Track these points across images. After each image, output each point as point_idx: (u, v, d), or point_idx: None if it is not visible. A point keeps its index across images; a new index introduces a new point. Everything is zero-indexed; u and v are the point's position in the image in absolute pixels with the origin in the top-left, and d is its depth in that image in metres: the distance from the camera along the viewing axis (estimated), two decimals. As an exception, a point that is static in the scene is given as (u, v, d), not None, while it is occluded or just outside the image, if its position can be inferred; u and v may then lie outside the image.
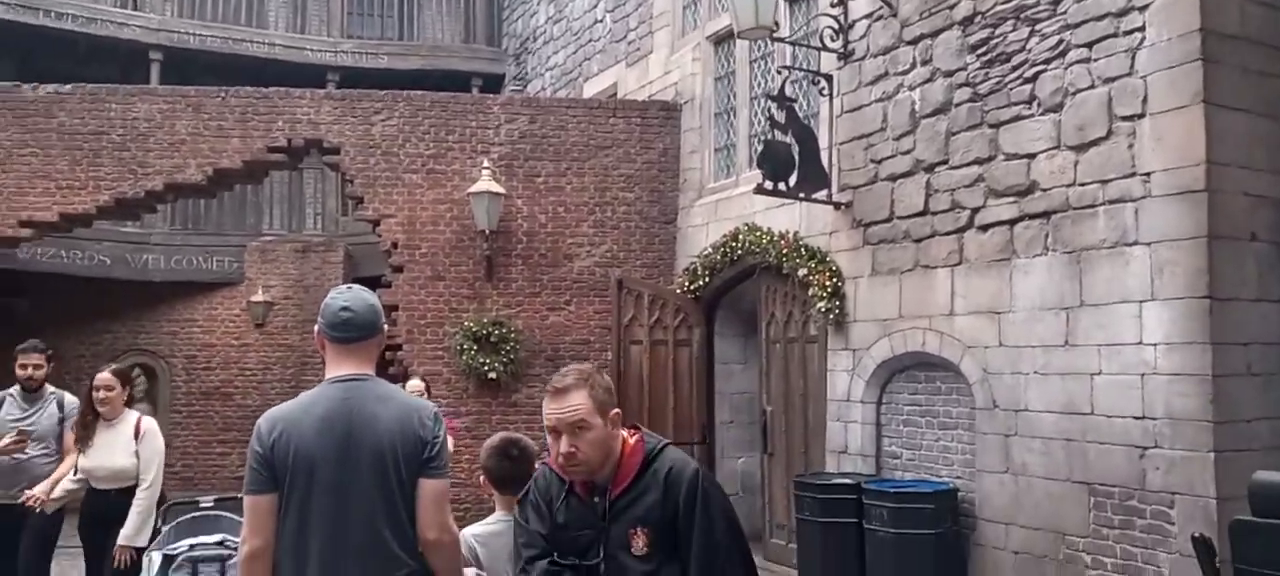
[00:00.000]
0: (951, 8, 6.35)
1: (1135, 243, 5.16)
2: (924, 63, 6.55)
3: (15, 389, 5.27)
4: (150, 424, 4.95)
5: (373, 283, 10.10)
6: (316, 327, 2.61)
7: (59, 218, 9.46)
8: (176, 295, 12.81)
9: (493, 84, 14.28)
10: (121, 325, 12.62)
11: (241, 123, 9.48)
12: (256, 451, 2.47)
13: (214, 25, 13.34)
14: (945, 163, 6.34)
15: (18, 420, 5.14)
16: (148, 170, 9.49)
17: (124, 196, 9.50)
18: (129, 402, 5.00)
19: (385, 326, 2.72)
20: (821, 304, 7.08)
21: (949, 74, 6.34)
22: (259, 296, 12.55)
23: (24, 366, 5.22)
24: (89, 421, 4.87)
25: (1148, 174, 5.12)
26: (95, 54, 12.70)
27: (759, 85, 8.78)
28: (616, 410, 2.34)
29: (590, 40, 11.61)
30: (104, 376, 4.92)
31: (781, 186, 7.00)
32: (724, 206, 8.84)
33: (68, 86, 9.66)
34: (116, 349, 12.32)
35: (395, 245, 9.38)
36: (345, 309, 2.58)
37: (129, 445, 4.83)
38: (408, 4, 14.71)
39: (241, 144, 9.47)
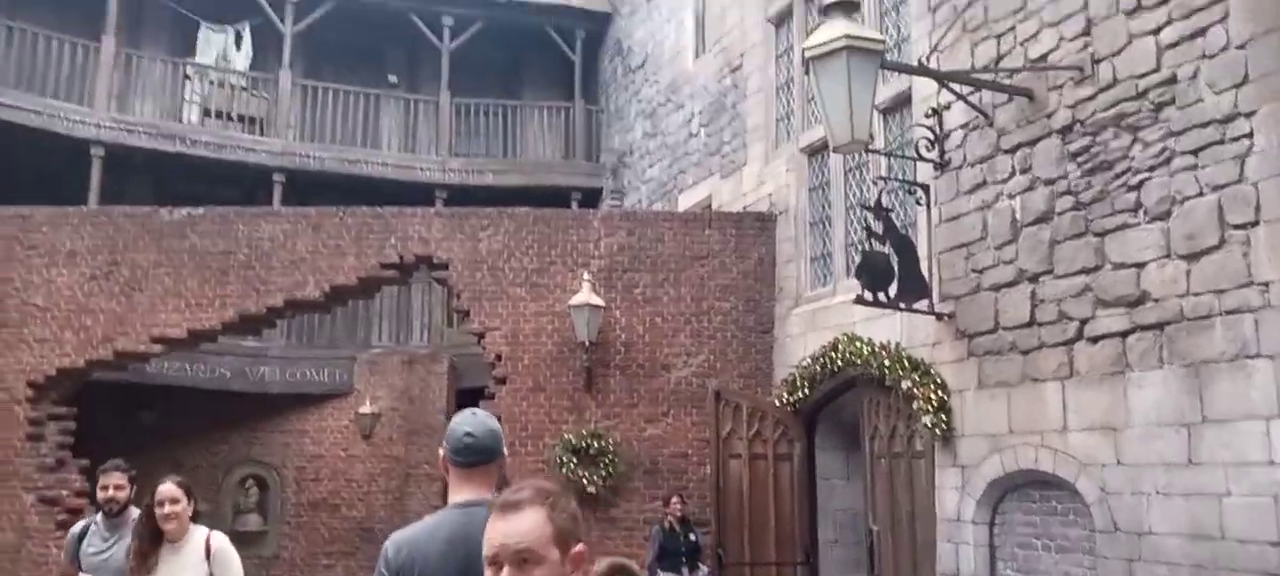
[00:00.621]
0: (1049, 116, 6.32)
1: (1257, 355, 4.93)
2: (1023, 171, 6.51)
3: (99, 515, 4.67)
4: (222, 541, 4.29)
5: (476, 394, 10.37)
6: (442, 452, 2.73)
7: (188, 334, 10.05)
8: (290, 407, 13.35)
9: (591, 197, 14.71)
10: (238, 436, 13.17)
11: (357, 241, 9.98)
12: (382, 574, 2.57)
13: (332, 148, 14.18)
14: (1050, 272, 6.22)
15: (99, 552, 4.54)
16: (270, 287, 10.04)
17: (248, 313, 10.05)
18: (195, 517, 4.32)
19: (505, 451, 2.82)
20: (927, 418, 6.93)
21: (1049, 182, 6.28)
22: (366, 408, 12.97)
23: (104, 487, 4.60)
24: (149, 543, 4.14)
25: (1265, 284, 4.92)
26: (225, 177, 13.62)
27: (854, 195, 8.83)
28: (581, 548, 1.80)
29: (685, 154, 11.91)
30: (168, 488, 4.18)
31: (881, 297, 6.97)
32: (822, 316, 8.81)
33: (200, 210, 10.39)
34: (232, 460, 12.85)
35: (499, 357, 9.62)
36: (468, 434, 2.68)
37: (200, 568, 4.16)
38: (510, 123, 15.38)
39: (357, 261, 9.95)
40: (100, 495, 4.64)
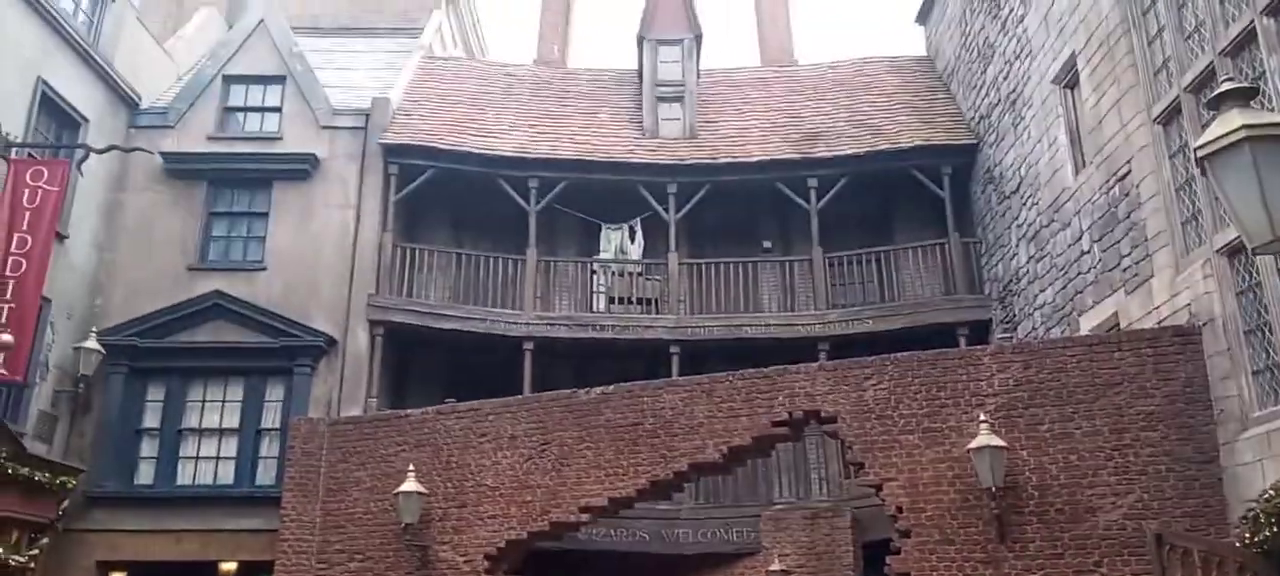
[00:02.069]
0: None
1: None
2: None
3: None
4: None
5: (881, 547, 10.12)
6: None
7: (609, 502, 11.02)
8: (704, 566, 13.91)
9: (979, 331, 14.08)
10: (655, 596, 13.94)
11: (748, 402, 10.44)
12: None
13: (719, 316, 15.13)
14: None
15: None
16: (674, 453, 10.77)
17: (657, 478, 10.82)
18: None
19: None
20: None
21: None
22: (776, 565, 13.13)
23: None
24: None
25: None
26: (628, 354, 15.03)
27: (1298, 294, 7.60)
28: None
29: (1079, 273, 11.06)
30: None
31: (1352, 412, 5.84)
32: (1279, 438, 7.52)
33: (610, 388, 11.53)
34: (655, 619, 13.57)
35: (899, 509, 9.36)
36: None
37: None
38: (885, 268, 15.38)
39: (749, 421, 10.37)
40: None
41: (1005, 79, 13.49)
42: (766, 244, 16.45)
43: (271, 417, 13.73)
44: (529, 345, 14.59)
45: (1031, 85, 12.45)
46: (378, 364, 14.10)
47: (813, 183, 15.28)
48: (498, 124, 16.43)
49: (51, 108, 13.22)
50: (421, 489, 11.50)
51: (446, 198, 15.90)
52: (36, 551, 11.87)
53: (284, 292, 14.17)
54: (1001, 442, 8.81)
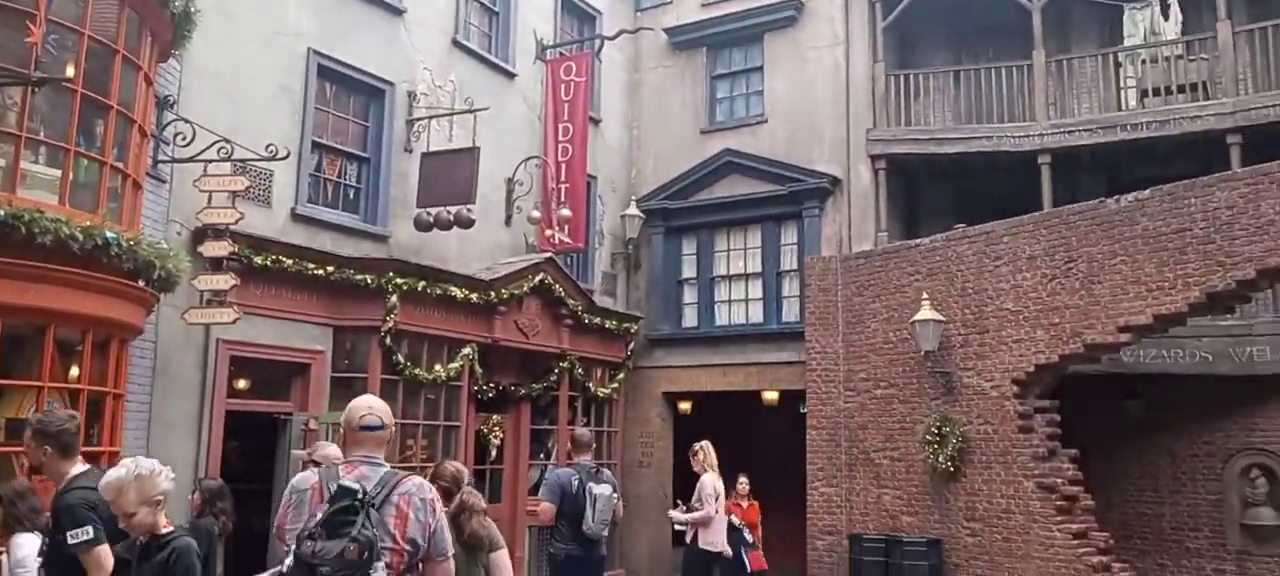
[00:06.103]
0: None
1: None
2: None
3: None
4: None
5: None
6: None
7: (1153, 319, 9.79)
8: (1289, 388, 11.72)
9: None
10: (1232, 423, 12.03)
11: (1338, 189, 8.38)
12: None
13: (1293, 91, 12.18)
14: None
15: None
16: (1235, 259, 9.15)
17: (1214, 290, 9.32)
18: None
19: None
20: None
21: None
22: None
23: None
24: None
25: None
26: (1173, 153, 12.88)
27: None
28: None
29: None
30: None
31: None
32: None
33: (1146, 192, 10.08)
34: (1230, 448, 11.87)
35: None
36: None
37: None
38: None
39: (1341, 213, 8.35)
40: None
41: None
42: (1362, -18, 12.72)
43: (788, 260, 14.49)
44: (1045, 158, 13.23)
45: None
46: (883, 198, 13.98)
47: None
48: (986, -82, 14.84)
49: (570, 7, 14.99)
50: (938, 316, 11.34)
51: (938, 14, 14.89)
52: (616, 385, 14.21)
53: (786, 140, 14.66)
54: None
